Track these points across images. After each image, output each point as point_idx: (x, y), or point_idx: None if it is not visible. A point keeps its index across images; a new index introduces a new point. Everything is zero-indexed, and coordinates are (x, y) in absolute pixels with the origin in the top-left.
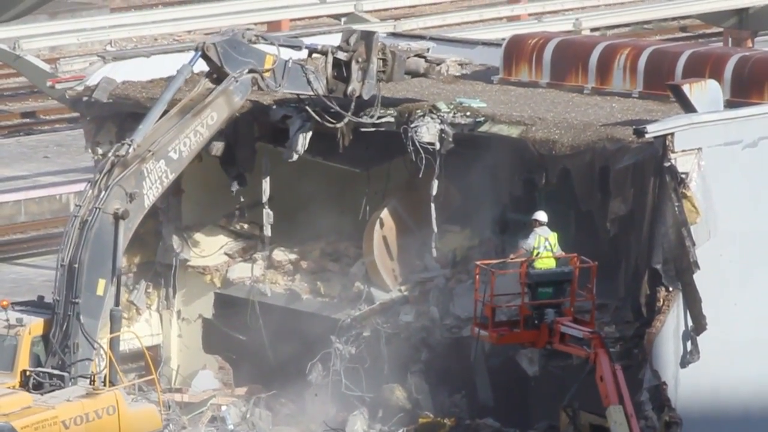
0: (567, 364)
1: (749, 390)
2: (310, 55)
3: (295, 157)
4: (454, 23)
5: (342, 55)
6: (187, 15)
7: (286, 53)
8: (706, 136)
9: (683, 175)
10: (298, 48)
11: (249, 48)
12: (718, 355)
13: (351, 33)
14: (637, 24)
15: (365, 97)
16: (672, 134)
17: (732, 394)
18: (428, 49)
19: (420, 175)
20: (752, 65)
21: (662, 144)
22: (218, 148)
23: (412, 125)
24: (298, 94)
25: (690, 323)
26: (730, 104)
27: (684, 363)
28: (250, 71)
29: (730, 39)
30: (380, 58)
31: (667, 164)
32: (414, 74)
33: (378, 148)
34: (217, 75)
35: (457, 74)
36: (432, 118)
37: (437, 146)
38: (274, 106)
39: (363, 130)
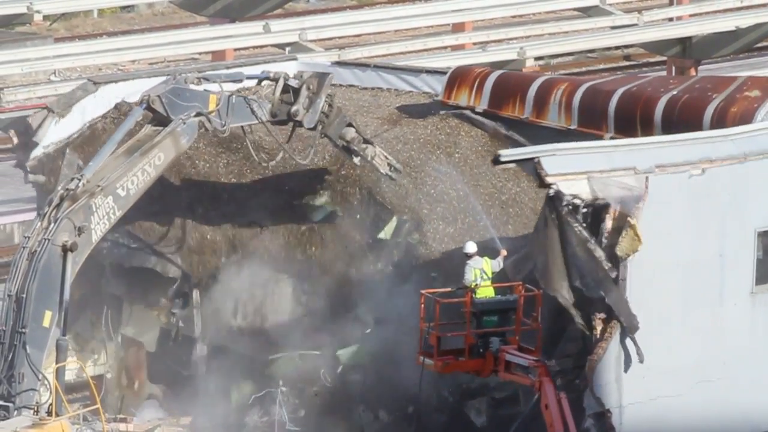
0: (515, 413)
1: (694, 417)
2: (260, 82)
3: None
4: (398, 52)
5: (293, 82)
6: (131, 45)
7: (228, 87)
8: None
9: (576, 200)
10: (239, 81)
11: (192, 92)
12: (661, 384)
13: (305, 71)
14: (581, 53)
15: (306, 125)
16: (537, 160)
17: (677, 422)
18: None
19: None
20: (681, 108)
21: (534, 171)
22: None
23: None
24: (242, 126)
25: (625, 330)
26: None
27: (628, 366)
28: (197, 114)
29: (673, 67)
30: (327, 103)
31: (551, 192)
32: (342, 138)
33: None
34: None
35: (381, 171)
36: None
37: None
38: None
39: None
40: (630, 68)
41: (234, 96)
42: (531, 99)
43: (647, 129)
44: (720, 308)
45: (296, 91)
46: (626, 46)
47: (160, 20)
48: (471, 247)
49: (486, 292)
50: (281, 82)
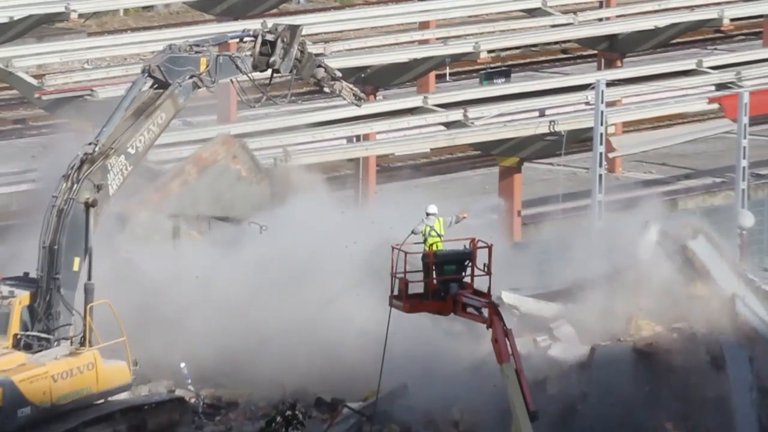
0: None
1: None
2: (241, 39)
3: None
4: (374, 45)
5: (270, 36)
6: (151, 38)
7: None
8: None
9: None
10: (225, 42)
11: (186, 58)
12: None
13: (279, 24)
14: (526, 47)
15: (282, 70)
16: None
17: None
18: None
19: None
20: None
21: None
22: None
23: None
24: (230, 79)
25: None
26: None
27: None
28: (191, 77)
29: (602, 59)
30: (299, 50)
31: None
32: (313, 77)
33: None
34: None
35: (348, 100)
36: None
37: None
38: None
39: None
40: (566, 60)
41: (221, 56)
42: None
43: None
44: None
45: (272, 44)
46: (563, 42)
47: (175, 18)
48: (431, 209)
49: (434, 245)
50: (260, 39)
